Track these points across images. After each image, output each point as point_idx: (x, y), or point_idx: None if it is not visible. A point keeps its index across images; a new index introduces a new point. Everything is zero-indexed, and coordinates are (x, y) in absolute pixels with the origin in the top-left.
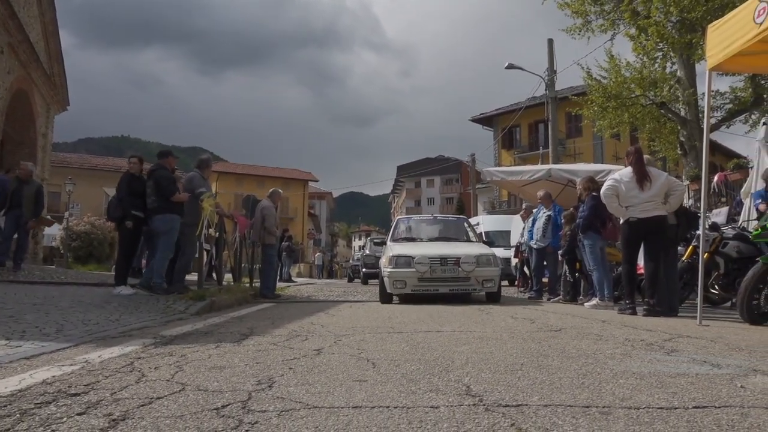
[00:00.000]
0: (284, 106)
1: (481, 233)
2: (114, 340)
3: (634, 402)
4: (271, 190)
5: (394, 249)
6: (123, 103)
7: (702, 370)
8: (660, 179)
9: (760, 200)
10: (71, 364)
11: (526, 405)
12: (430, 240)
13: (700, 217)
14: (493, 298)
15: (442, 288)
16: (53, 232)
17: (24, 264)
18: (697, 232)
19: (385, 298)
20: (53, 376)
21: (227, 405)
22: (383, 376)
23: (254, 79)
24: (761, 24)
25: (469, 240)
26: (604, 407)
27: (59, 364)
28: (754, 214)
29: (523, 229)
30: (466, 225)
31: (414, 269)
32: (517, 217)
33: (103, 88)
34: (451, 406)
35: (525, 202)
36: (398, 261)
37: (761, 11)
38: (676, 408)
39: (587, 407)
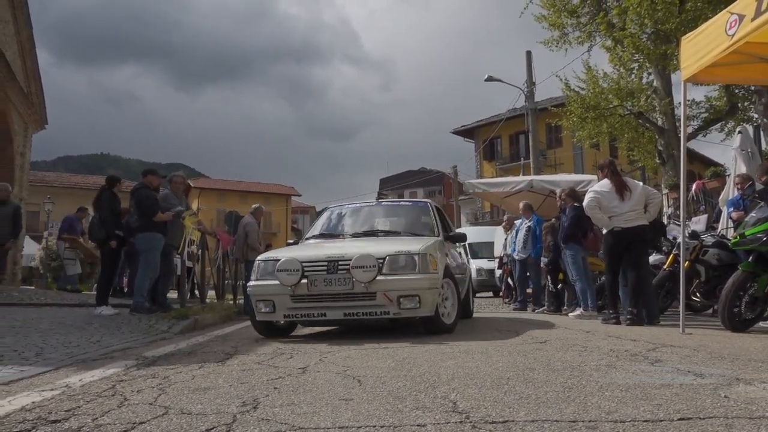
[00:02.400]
0: (264, 121)
1: (464, 245)
2: (95, 362)
3: (619, 415)
4: (253, 206)
5: (274, 252)
6: (102, 121)
7: (686, 381)
8: (638, 189)
9: (732, 208)
10: (51, 389)
11: (513, 421)
12: (355, 236)
13: (665, 225)
14: (431, 325)
15: (333, 311)
16: (32, 252)
17: (2, 286)
18: (666, 238)
19: (260, 327)
20: (33, 402)
21: (211, 429)
22: (369, 394)
23: (232, 94)
24: (733, 36)
25: (430, 234)
26: (590, 421)
27: (39, 389)
28: (731, 223)
29: (506, 240)
30: (430, 213)
31: (277, 282)
32: (500, 228)
33: (81, 106)
34: (438, 423)
35: (507, 213)
36: (263, 269)
37: (733, 23)
38: (661, 420)
39: (574, 422)
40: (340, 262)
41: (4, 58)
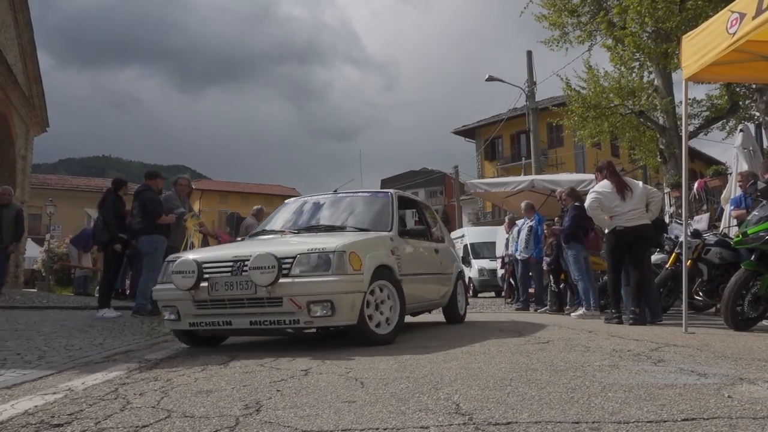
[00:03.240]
0: (266, 123)
1: (466, 245)
2: (98, 365)
3: (623, 416)
4: (255, 207)
5: (187, 253)
6: (103, 123)
7: (689, 381)
8: (638, 188)
9: (733, 207)
10: (54, 393)
11: (516, 422)
12: (297, 231)
13: (667, 224)
14: (356, 336)
15: (238, 319)
16: (34, 255)
17: (4, 289)
18: (668, 237)
19: (179, 335)
20: (36, 406)
21: None
22: (372, 396)
23: (235, 96)
24: (734, 34)
25: (382, 228)
26: (593, 422)
27: (42, 392)
28: (734, 221)
29: (507, 240)
30: (389, 205)
31: (172, 285)
32: (502, 229)
33: (82, 109)
34: (441, 425)
35: (509, 213)
36: (167, 271)
37: (734, 21)
38: (665, 421)
39: (577, 423)
40: (245, 263)
41: (5, 61)
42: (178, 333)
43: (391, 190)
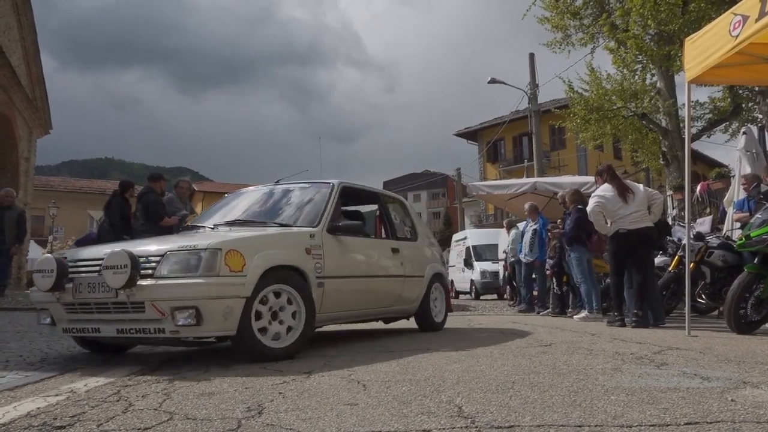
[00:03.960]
0: (268, 124)
1: (468, 247)
2: (100, 367)
3: (626, 420)
4: None
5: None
6: (105, 125)
7: (692, 384)
8: (640, 190)
9: (736, 209)
10: (56, 395)
11: (519, 426)
12: (216, 226)
13: (670, 225)
14: (242, 349)
15: (107, 326)
16: (37, 256)
17: (7, 290)
18: (671, 240)
19: (78, 341)
20: (38, 408)
21: None
22: (374, 399)
23: (236, 98)
24: (737, 37)
25: (309, 223)
26: (596, 426)
27: (44, 394)
28: (735, 224)
29: (508, 242)
30: (326, 197)
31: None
32: (504, 231)
33: (84, 110)
34: (443, 429)
35: (511, 215)
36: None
37: (737, 24)
38: (668, 425)
39: (580, 426)
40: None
41: (8, 63)
42: (76, 338)
43: (335, 180)
